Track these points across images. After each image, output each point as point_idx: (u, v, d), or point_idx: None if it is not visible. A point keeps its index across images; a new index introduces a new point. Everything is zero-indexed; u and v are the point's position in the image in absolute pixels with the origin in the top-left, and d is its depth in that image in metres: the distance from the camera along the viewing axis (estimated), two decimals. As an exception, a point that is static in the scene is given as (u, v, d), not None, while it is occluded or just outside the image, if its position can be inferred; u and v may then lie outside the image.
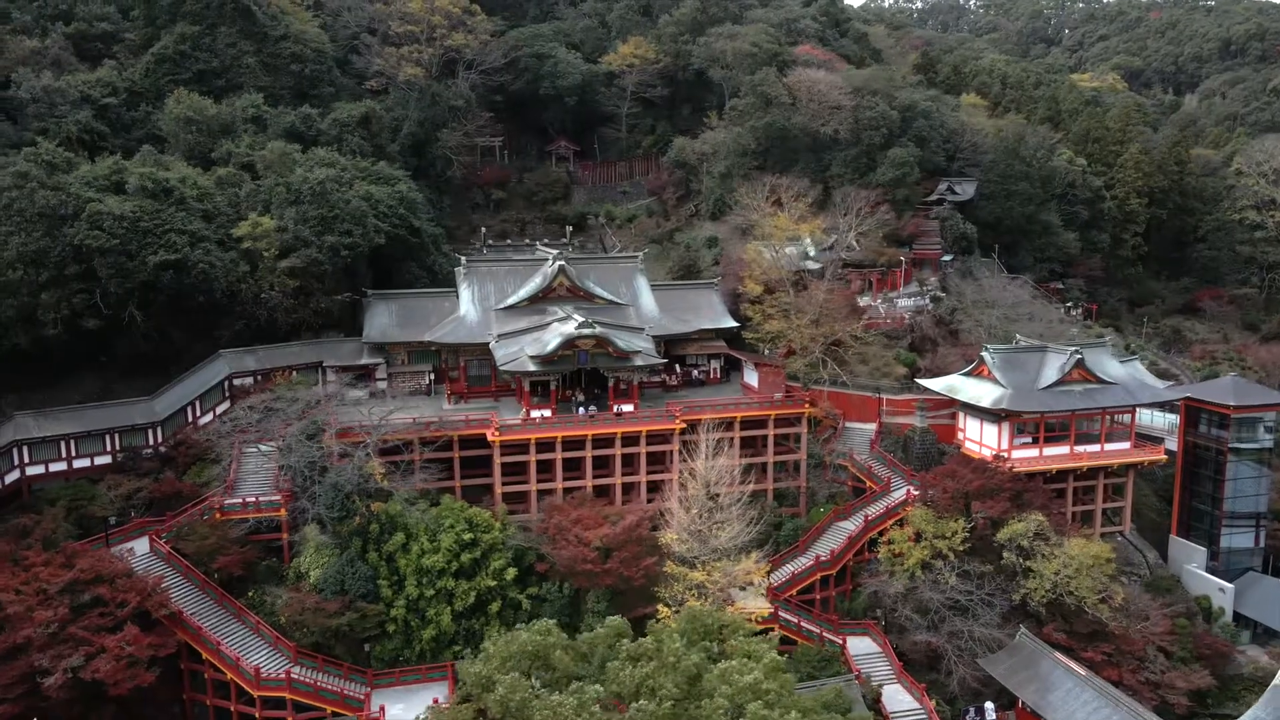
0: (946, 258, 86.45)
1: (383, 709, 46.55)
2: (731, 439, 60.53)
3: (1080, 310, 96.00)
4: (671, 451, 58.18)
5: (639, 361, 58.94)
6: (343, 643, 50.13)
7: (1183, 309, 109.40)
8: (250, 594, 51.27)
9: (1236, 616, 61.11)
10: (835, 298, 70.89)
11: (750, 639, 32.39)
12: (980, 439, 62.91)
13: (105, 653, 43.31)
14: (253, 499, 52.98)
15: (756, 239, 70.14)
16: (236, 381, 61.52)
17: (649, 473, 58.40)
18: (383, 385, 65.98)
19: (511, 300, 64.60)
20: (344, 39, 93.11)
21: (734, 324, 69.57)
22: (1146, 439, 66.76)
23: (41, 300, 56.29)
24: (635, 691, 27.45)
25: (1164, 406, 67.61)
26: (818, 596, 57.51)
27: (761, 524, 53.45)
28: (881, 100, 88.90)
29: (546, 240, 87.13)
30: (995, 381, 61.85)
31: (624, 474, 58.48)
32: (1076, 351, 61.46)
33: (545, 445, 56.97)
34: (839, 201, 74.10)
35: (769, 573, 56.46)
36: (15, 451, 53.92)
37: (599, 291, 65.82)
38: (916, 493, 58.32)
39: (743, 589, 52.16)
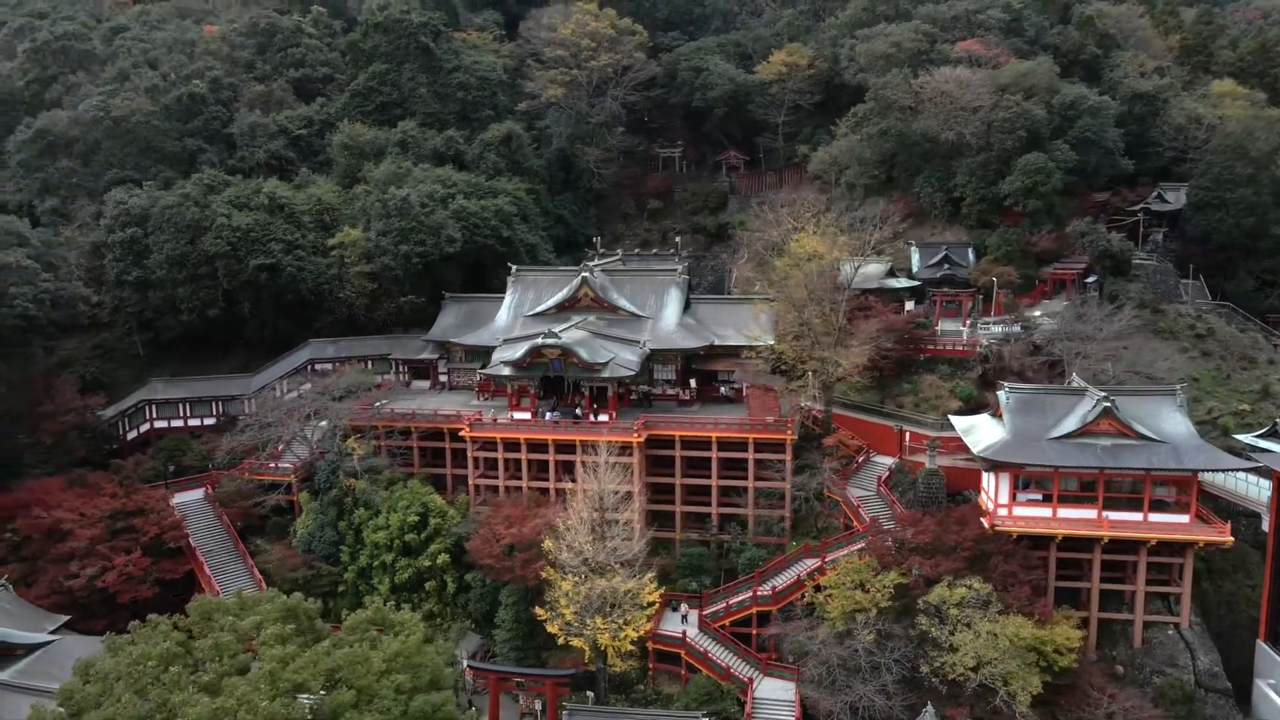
0: (1090, 278, 74.45)
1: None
2: (709, 459, 60.29)
3: (1307, 348, 76.44)
4: (634, 464, 58.99)
5: (607, 373, 60.44)
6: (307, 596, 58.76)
7: None
8: (258, 541, 62.10)
9: (1306, 758, 47.24)
10: (882, 320, 65.58)
11: (408, 640, 34.63)
12: (987, 489, 55.06)
13: (114, 569, 56.19)
14: (272, 465, 63.84)
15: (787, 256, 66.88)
16: (317, 366, 73.35)
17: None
18: (444, 379, 74.25)
19: (540, 308, 69.07)
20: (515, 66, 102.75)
21: (767, 341, 67.22)
22: (1241, 514, 53.51)
23: (179, 294, 72.31)
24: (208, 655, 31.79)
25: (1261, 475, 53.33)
26: (755, 631, 55.12)
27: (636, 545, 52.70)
28: (1039, 99, 78.75)
29: (655, 250, 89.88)
30: (1003, 425, 53.86)
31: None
32: (1105, 398, 51.24)
33: (512, 445, 60.99)
34: (844, 215, 67.65)
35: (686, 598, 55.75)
36: (146, 409, 70.37)
37: (622, 303, 67.80)
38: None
39: (642, 607, 51.94)
